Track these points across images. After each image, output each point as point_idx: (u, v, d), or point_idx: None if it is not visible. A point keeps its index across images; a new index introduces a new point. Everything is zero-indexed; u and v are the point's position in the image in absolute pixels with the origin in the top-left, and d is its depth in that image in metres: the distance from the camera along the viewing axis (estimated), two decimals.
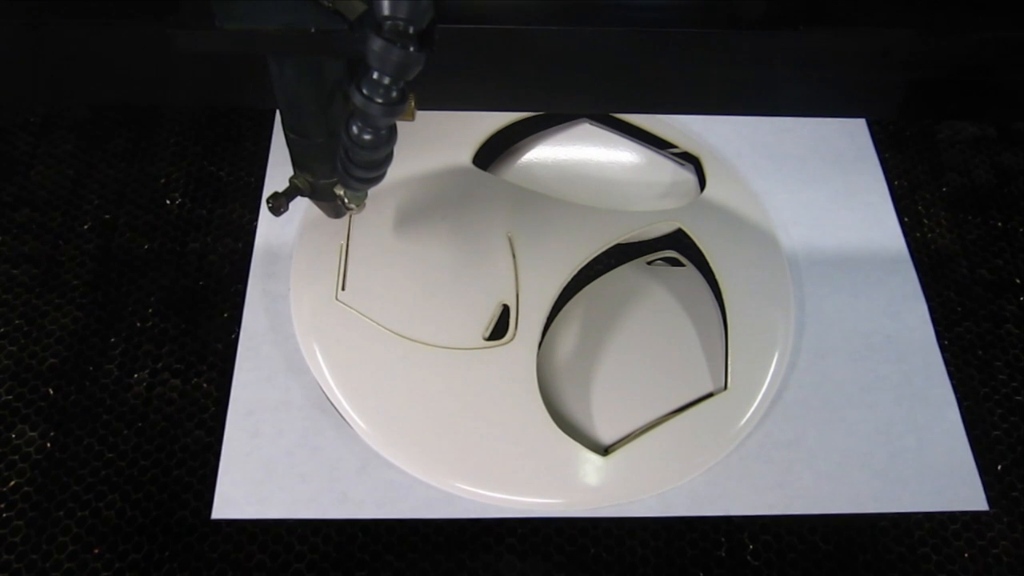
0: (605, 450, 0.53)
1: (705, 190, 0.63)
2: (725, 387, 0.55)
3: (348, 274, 0.57)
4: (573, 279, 0.57)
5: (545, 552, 0.51)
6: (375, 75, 0.36)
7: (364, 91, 0.36)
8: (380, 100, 0.36)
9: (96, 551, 0.49)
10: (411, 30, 0.35)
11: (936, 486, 0.54)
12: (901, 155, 0.69)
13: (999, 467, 0.55)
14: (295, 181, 0.50)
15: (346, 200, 0.47)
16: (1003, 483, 0.54)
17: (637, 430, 0.54)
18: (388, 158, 0.42)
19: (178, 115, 0.67)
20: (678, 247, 0.62)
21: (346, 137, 0.39)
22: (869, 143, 0.69)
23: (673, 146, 0.66)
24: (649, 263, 0.62)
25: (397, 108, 0.37)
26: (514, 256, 0.57)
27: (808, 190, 0.66)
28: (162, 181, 0.64)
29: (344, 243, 0.58)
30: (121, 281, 0.59)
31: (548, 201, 0.60)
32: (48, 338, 0.57)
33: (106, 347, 0.56)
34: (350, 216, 0.59)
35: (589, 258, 0.58)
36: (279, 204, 0.49)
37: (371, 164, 0.42)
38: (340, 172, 0.43)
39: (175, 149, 0.66)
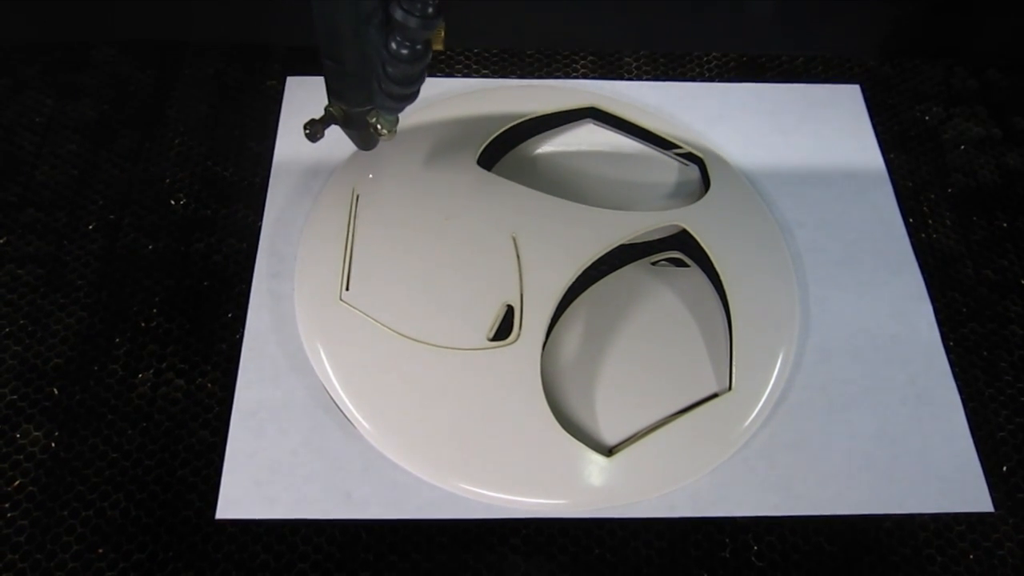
0: (609, 451, 0.53)
1: (709, 191, 0.63)
2: (729, 388, 0.55)
3: (352, 274, 0.57)
4: (577, 280, 0.57)
5: (549, 552, 0.51)
6: None
7: (403, 6, 0.42)
8: (418, 14, 0.42)
9: (100, 551, 0.49)
10: None
11: (941, 487, 0.53)
12: (906, 155, 0.69)
13: (1004, 468, 0.55)
14: (330, 109, 0.53)
15: (379, 127, 0.51)
16: (1008, 484, 0.54)
17: (641, 431, 0.54)
18: (422, 75, 0.47)
19: (182, 115, 0.68)
20: (682, 248, 0.62)
21: (385, 53, 0.45)
22: (874, 143, 0.69)
23: (677, 147, 0.66)
24: (653, 264, 0.62)
25: (432, 22, 0.43)
26: (518, 257, 0.57)
27: (812, 190, 0.66)
28: (167, 181, 0.64)
29: (348, 243, 0.58)
30: (126, 281, 0.59)
31: (552, 202, 0.60)
32: (53, 338, 0.57)
33: (111, 347, 0.57)
34: (354, 216, 0.60)
35: (593, 259, 0.58)
36: (315, 131, 0.53)
37: (407, 79, 0.47)
38: (376, 92, 0.49)
39: (180, 150, 0.66)
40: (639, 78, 0.72)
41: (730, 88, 0.72)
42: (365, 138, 0.58)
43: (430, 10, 0.42)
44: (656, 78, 0.72)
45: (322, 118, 0.53)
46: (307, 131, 0.52)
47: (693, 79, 0.72)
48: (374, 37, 0.47)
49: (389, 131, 0.52)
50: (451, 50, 0.73)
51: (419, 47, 0.45)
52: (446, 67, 0.72)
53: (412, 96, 0.49)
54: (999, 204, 0.67)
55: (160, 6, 0.71)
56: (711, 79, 0.72)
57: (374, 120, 0.51)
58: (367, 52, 0.48)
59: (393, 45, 0.45)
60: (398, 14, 0.42)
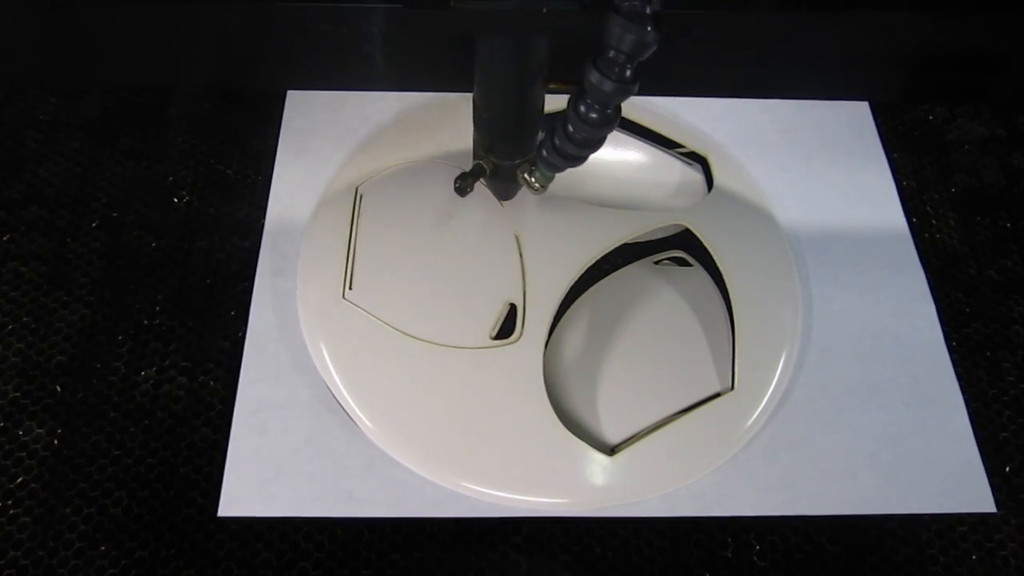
0: (611, 450, 0.53)
1: (712, 190, 0.63)
2: (732, 387, 0.55)
3: (355, 273, 0.57)
4: (580, 278, 0.57)
5: (551, 551, 0.51)
6: (611, 54, 0.37)
7: (600, 69, 0.38)
8: (614, 79, 0.38)
9: (102, 548, 0.50)
10: (648, 10, 0.36)
11: (944, 488, 0.53)
12: (909, 155, 0.69)
13: (1007, 469, 0.55)
14: (480, 163, 0.52)
15: (532, 181, 0.49)
16: (1011, 485, 0.54)
17: (643, 430, 0.54)
18: (603, 139, 0.44)
19: (185, 113, 0.68)
20: (685, 247, 0.62)
21: (572, 113, 0.42)
22: (877, 143, 0.69)
23: (680, 146, 0.66)
24: (656, 263, 0.62)
25: (629, 88, 0.39)
26: (521, 255, 0.57)
27: (815, 190, 0.66)
28: (170, 179, 0.64)
29: (351, 242, 0.58)
30: (129, 279, 0.59)
31: (555, 200, 0.60)
32: (56, 335, 0.57)
33: (113, 345, 0.57)
34: (357, 215, 0.60)
35: (596, 257, 0.58)
36: (466, 185, 0.52)
37: (588, 142, 0.43)
38: (548, 148, 0.45)
39: (183, 147, 0.66)
40: None
41: None
42: (507, 189, 0.57)
43: (628, 74, 0.38)
44: None
45: (472, 171, 0.52)
46: (457, 185, 0.51)
47: None
48: (538, 95, 0.46)
49: (543, 186, 0.49)
50: None
51: (609, 111, 0.41)
52: None
53: (583, 159, 0.45)
54: (1003, 204, 0.67)
55: (153, 54, 0.69)
56: None
57: (526, 174, 0.49)
58: (527, 109, 0.47)
59: (582, 107, 0.41)
60: (593, 76, 0.38)
